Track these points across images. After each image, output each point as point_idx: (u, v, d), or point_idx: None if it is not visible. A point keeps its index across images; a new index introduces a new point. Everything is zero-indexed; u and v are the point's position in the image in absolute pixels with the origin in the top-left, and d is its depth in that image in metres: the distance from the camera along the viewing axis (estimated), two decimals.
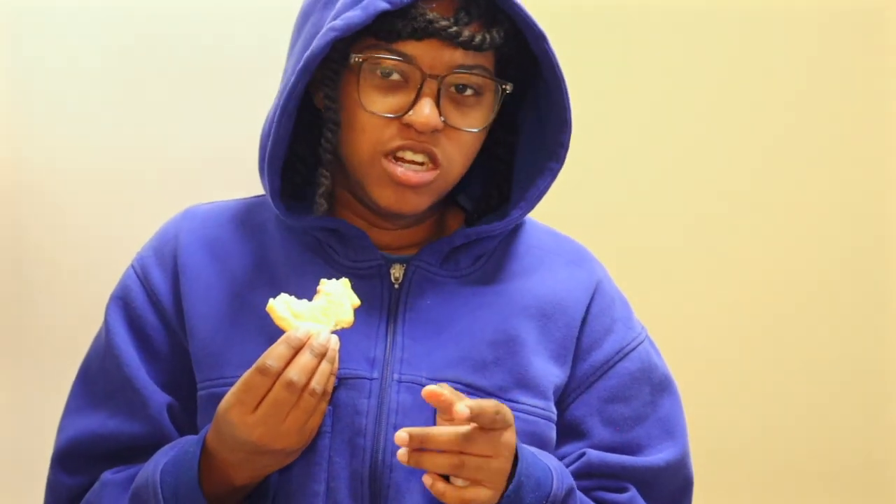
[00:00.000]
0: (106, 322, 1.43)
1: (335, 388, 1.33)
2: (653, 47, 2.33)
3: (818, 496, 2.41)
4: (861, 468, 2.41)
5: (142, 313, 1.41)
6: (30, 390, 1.85)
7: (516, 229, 1.48)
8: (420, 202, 1.36)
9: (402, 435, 1.22)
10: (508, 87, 1.36)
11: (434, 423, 1.32)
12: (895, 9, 2.38)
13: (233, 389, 1.26)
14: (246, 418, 1.25)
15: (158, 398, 1.39)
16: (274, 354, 1.24)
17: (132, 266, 1.45)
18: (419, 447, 1.22)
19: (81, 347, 1.47)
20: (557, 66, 1.37)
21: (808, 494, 2.40)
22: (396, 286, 1.39)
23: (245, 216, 1.44)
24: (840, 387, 2.40)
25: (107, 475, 1.38)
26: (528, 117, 1.45)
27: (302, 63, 1.33)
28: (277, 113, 1.35)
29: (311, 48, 1.33)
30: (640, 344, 1.46)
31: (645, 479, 1.41)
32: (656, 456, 1.42)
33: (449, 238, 1.42)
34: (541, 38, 1.36)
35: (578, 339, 1.42)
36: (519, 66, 1.40)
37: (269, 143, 1.36)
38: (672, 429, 1.44)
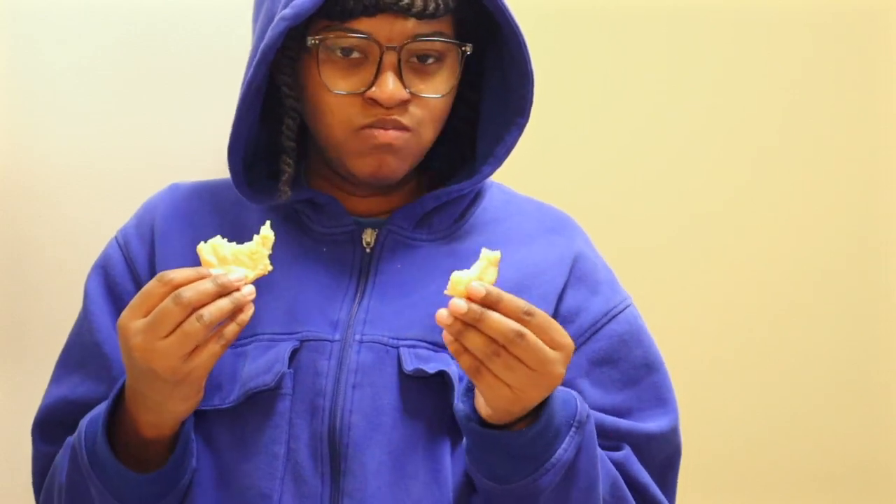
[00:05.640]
0: (85, 290, 1.45)
1: (296, 351, 1.33)
2: (651, 46, 2.33)
3: (818, 496, 2.40)
4: (861, 468, 2.41)
5: (120, 281, 1.43)
6: (30, 390, 1.85)
7: (497, 197, 1.48)
8: (398, 166, 1.36)
9: (459, 303, 1.18)
10: (468, 49, 1.36)
11: (398, 384, 1.32)
12: (895, 10, 2.39)
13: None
14: (132, 323, 1.21)
15: None
16: (180, 271, 1.21)
17: (115, 237, 1.47)
18: (471, 321, 1.18)
19: None
20: (513, 21, 1.36)
21: (807, 495, 2.40)
22: (368, 251, 1.40)
23: (226, 192, 1.45)
24: (840, 387, 2.39)
25: (70, 438, 1.37)
26: (493, 75, 1.44)
27: (258, 56, 1.33)
28: (238, 105, 1.36)
29: (265, 40, 1.33)
30: (627, 307, 1.45)
31: (638, 444, 1.40)
32: (650, 423, 1.41)
33: (420, 202, 1.42)
34: None
35: (560, 301, 1.41)
36: (479, 24, 1.40)
37: (231, 134, 1.37)
38: (663, 395, 1.43)
